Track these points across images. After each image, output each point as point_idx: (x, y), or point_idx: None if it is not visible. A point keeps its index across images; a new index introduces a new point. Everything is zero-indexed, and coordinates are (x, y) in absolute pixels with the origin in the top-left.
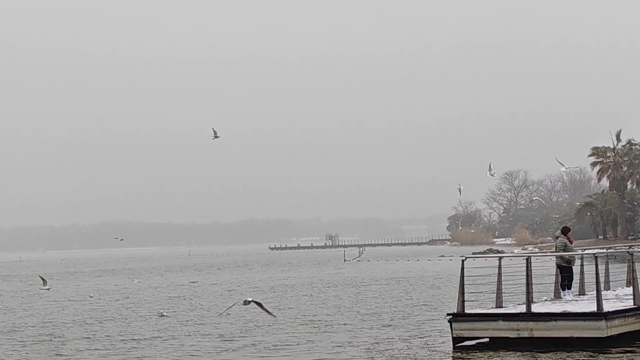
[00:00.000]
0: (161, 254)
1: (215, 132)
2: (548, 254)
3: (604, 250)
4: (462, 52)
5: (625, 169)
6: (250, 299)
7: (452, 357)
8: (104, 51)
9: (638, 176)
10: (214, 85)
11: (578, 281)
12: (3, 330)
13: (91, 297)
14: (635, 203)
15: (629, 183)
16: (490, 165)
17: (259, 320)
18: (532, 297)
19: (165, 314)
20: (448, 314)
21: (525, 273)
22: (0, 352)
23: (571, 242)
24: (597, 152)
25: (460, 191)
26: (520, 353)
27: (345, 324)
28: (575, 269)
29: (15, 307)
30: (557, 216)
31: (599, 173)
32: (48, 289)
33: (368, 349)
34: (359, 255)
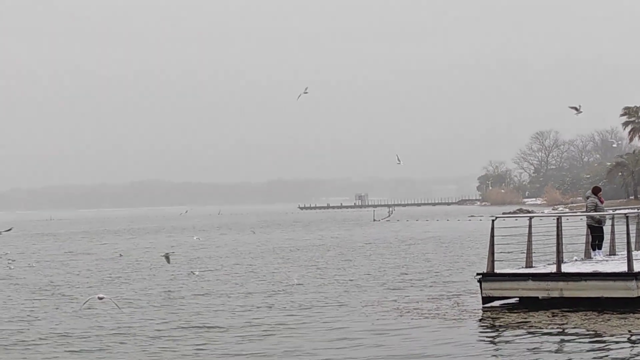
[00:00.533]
0: (191, 213)
1: (305, 90)
2: (578, 214)
3: (635, 210)
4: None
5: None
6: (102, 296)
7: (482, 316)
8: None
9: None
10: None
11: (609, 241)
12: (36, 288)
13: (121, 255)
14: None
15: None
16: (397, 157)
17: (287, 281)
18: (562, 257)
19: (196, 272)
20: (477, 274)
21: (555, 233)
22: (31, 310)
23: (602, 202)
24: (628, 111)
25: (398, 158)
26: (549, 313)
27: (373, 284)
28: (606, 229)
29: (47, 266)
30: (588, 176)
31: (631, 133)
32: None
33: (397, 308)
34: (389, 215)
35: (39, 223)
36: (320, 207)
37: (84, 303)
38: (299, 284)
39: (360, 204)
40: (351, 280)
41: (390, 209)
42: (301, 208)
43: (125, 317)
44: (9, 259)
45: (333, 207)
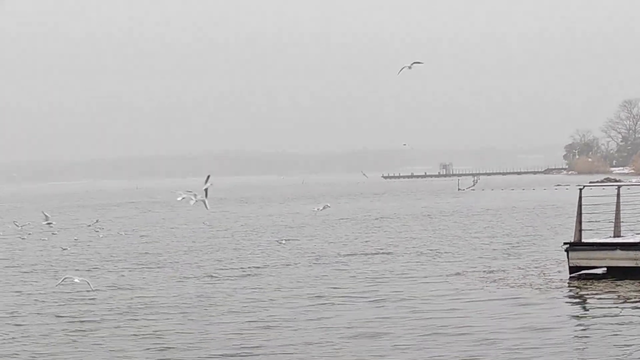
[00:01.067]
0: (276, 182)
1: (410, 64)
2: None
3: None
4: None
5: None
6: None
7: (569, 286)
8: None
9: None
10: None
11: None
12: (127, 256)
13: (206, 224)
14: None
15: None
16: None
17: (371, 250)
18: None
19: (283, 242)
20: (565, 243)
21: None
22: (120, 276)
23: None
24: None
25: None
26: (637, 282)
27: (458, 253)
28: None
29: (134, 234)
30: None
31: None
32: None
33: (482, 277)
34: (473, 185)
35: (126, 192)
36: (404, 177)
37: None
38: (387, 253)
39: (444, 173)
40: (435, 249)
41: (475, 178)
42: (385, 177)
43: (212, 288)
44: (99, 227)
45: (417, 177)
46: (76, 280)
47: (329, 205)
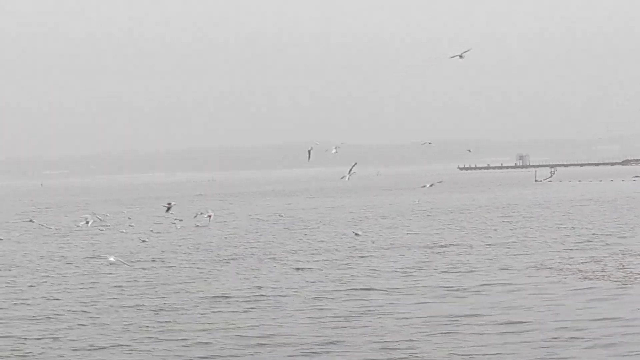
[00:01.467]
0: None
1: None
2: None
3: None
4: None
5: None
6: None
7: None
8: None
9: None
10: None
11: None
12: (203, 247)
13: (281, 215)
14: None
15: None
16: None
17: (446, 242)
18: None
19: (359, 233)
20: None
21: None
22: (196, 267)
23: None
24: None
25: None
26: None
27: (536, 245)
28: None
29: (212, 226)
30: None
31: None
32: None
33: (561, 269)
34: (550, 176)
35: (199, 184)
36: (480, 168)
37: None
38: (463, 245)
39: (521, 164)
40: (513, 242)
41: (552, 169)
42: (461, 169)
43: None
44: (175, 219)
45: (493, 168)
46: (111, 259)
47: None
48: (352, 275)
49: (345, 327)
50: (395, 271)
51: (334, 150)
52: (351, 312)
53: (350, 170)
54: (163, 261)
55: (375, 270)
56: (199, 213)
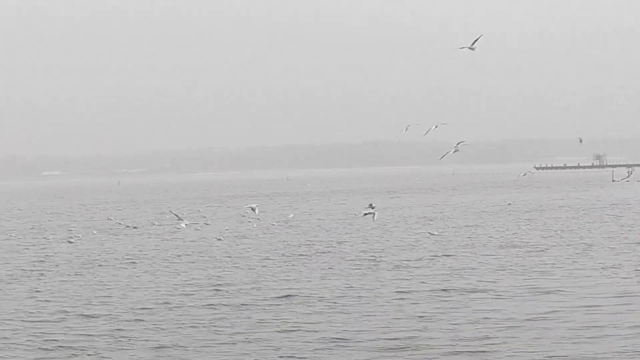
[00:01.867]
0: (424, 173)
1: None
2: None
3: None
4: None
5: None
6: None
7: None
8: None
9: None
10: None
11: None
12: (276, 247)
13: (356, 215)
14: None
15: None
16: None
17: (522, 242)
18: None
19: (435, 232)
20: None
21: None
22: (268, 267)
23: None
24: None
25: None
26: None
27: (610, 247)
28: None
29: (285, 225)
30: None
31: None
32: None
33: (637, 270)
34: (628, 176)
35: (275, 183)
36: (556, 167)
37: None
38: (539, 245)
39: (598, 164)
40: (583, 242)
41: (630, 169)
42: (537, 168)
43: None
44: (252, 217)
45: (570, 168)
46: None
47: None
48: (431, 275)
49: (424, 327)
50: (468, 270)
51: (452, 151)
52: (427, 312)
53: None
54: (237, 259)
55: (448, 270)
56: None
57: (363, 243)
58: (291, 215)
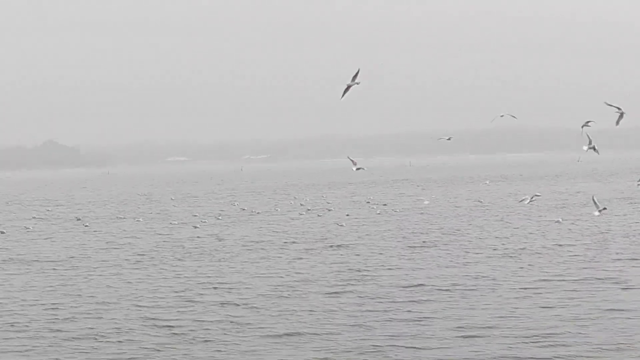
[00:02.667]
0: (550, 159)
1: None
2: None
3: None
4: None
5: None
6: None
7: None
8: None
9: None
10: None
11: None
12: (399, 234)
13: (481, 202)
14: None
15: None
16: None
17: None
18: None
19: (560, 220)
20: None
21: None
22: (390, 256)
23: None
24: None
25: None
26: None
27: None
28: None
29: (411, 212)
30: None
31: None
32: None
33: None
34: None
35: (398, 169)
36: None
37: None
38: None
39: None
40: None
41: None
42: None
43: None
44: (376, 204)
45: None
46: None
47: None
48: (549, 264)
49: (552, 315)
50: (593, 262)
51: (586, 149)
52: (551, 303)
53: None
54: (356, 246)
55: (576, 261)
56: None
57: (483, 231)
58: (426, 202)
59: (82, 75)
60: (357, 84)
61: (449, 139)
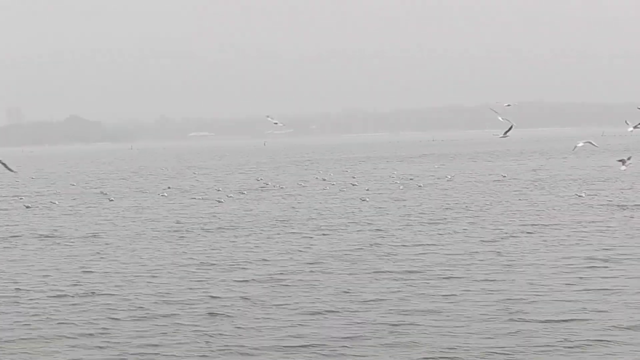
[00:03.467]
0: (573, 135)
1: None
2: None
3: None
4: None
5: None
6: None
7: None
8: None
9: None
10: None
11: None
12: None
13: (504, 176)
14: None
15: None
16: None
17: None
18: None
19: (582, 194)
20: None
21: None
22: (414, 233)
23: None
24: None
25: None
26: None
27: None
28: None
29: (434, 187)
30: None
31: None
32: None
33: None
34: None
35: (422, 144)
36: None
37: None
38: None
39: None
40: None
41: None
42: None
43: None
44: (401, 177)
45: None
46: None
47: None
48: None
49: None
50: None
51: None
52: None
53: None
54: (377, 222)
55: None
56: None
57: (509, 207)
58: (449, 177)
59: (105, 50)
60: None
61: (508, 106)
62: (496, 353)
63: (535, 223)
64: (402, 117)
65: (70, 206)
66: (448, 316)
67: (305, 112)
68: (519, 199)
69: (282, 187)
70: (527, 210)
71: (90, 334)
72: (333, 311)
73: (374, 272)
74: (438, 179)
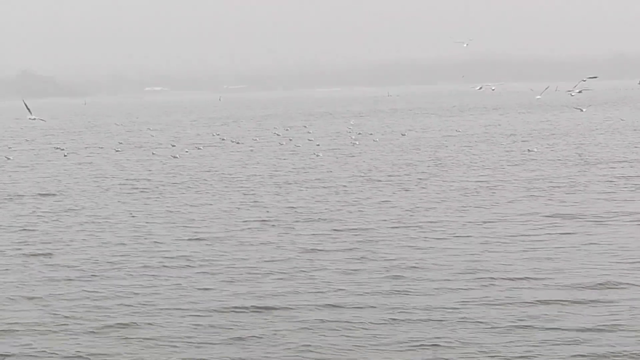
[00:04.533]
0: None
1: None
2: None
3: None
4: None
5: None
6: None
7: None
8: None
9: None
10: None
11: None
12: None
13: (459, 131)
14: None
15: None
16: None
17: None
18: None
19: (533, 149)
20: None
21: None
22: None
23: None
24: None
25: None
26: None
27: None
28: None
29: (388, 141)
30: None
31: None
32: None
33: None
34: None
35: (378, 99)
36: None
37: None
38: None
39: None
40: None
41: None
42: None
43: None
44: (356, 132)
45: None
46: None
47: None
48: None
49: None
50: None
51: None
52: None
53: None
54: (329, 181)
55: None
56: None
57: (458, 158)
58: (404, 133)
59: (59, 3)
60: None
61: (466, 45)
62: (445, 308)
63: (488, 182)
64: (358, 72)
65: (24, 161)
66: (407, 271)
67: (261, 66)
68: (472, 154)
69: (238, 143)
70: (476, 163)
71: (36, 297)
72: (298, 269)
73: (332, 230)
74: (391, 133)
